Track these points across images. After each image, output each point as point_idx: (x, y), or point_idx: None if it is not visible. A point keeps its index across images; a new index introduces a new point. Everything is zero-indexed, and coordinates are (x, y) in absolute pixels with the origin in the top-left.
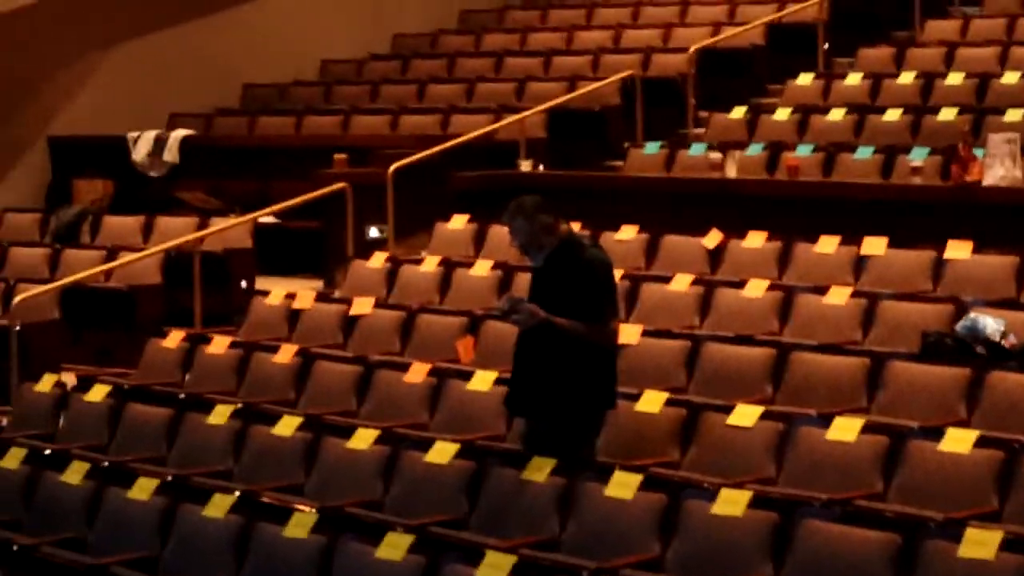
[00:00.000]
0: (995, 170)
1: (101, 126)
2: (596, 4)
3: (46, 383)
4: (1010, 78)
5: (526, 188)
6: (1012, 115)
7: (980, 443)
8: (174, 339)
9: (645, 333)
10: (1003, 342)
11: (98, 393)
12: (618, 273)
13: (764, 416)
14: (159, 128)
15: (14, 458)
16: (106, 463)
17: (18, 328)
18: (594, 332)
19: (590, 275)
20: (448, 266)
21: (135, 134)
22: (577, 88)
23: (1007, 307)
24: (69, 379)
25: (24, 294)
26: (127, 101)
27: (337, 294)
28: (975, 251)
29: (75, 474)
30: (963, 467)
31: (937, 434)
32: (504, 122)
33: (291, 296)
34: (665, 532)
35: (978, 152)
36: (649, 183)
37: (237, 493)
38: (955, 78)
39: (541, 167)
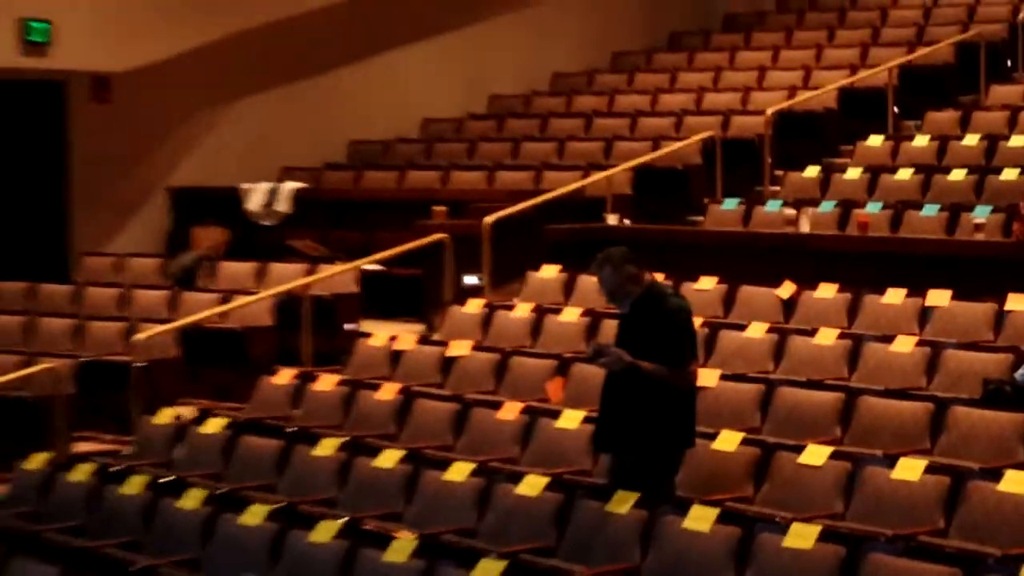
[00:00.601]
0: None
1: (217, 178)
2: (679, 69)
3: (164, 416)
4: None
5: (613, 240)
6: None
7: None
8: (284, 376)
9: (723, 377)
10: None
11: (214, 426)
12: (697, 320)
13: (833, 456)
14: (271, 180)
15: (135, 485)
16: (221, 490)
17: (140, 365)
18: (675, 376)
19: (671, 322)
20: (539, 312)
21: (248, 186)
22: (660, 147)
23: None
24: (188, 412)
25: (146, 333)
26: (241, 155)
27: (436, 337)
28: None
29: (192, 500)
30: (1021, 507)
31: (996, 475)
32: (592, 179)
33: (393, 338)
34: (739, 563)
35: None
36: (727, 237)
37: (342, 520)
38: (1018, 140)
39: (627, 221)
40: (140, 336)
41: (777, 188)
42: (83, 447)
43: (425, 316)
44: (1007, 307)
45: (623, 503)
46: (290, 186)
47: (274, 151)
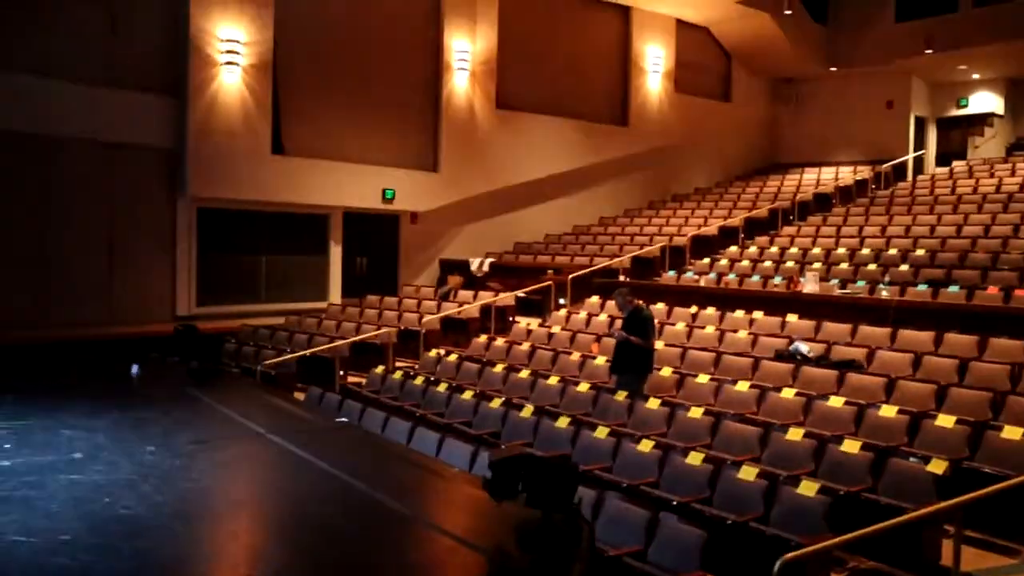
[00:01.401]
0: None
1: (459, 254)
2: (653, 215)
3: (432, 353)
4: None
5: (621, 284)
6: None
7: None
8: (482, 339)
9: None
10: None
11: (453, 357)
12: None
13: (705, 459)
14: (481, 256)
15: (419, 382)
16: (456, 384)
17: (424, 331)
18: (644, 344)
19: (644, 321)
20: (589, 316)
21: (472, 258)
22: (643, 249)
23: None
24: (443, 351)
25: (428, 318)
26: (469, 244)
27: (547, 324)
28: None
29: (442, 386)
30: (811, 504)
31: (796, 481)
32: (614, 261)
33: (529, 324)
34: (660, 470)
35: None
36: (670, 287)
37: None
38: (806, 245)
39: (625, 278)
40: (427, 318)
41: (691, 267)
42: (400, 364)
43: (543, 315)
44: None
45: (621, 396)
46: (489, 259)
47: (483, 244)
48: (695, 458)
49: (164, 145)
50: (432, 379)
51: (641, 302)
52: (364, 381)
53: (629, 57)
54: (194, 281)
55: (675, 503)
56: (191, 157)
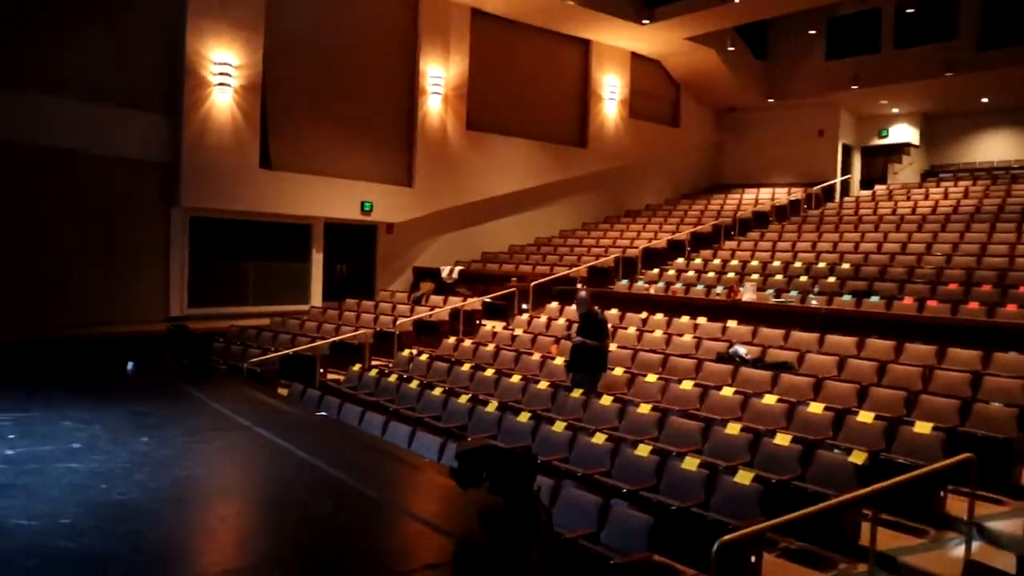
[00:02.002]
0: None
1: (431, 262)
2: (609, 229)
3: (405, 353)
4: None
5: (580, 291)
6: None
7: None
8: (451, 340)
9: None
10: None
11: (424, 357)
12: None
13: (653, 451)
14: (452, 264)
15: (393, 379)
16: (429, 381)
17: (399, 332)
18: (599, 345)
19: (599, 324)
20: (550, 319)
21: (444, 266)
22: (599, 259)
23: None
24: (415, 351)
25: (401, 320)
26: (440, 254)
27: (511, 327)
28: None
29: (414, 384)
30: (746, 491)
31: (734, 471)
32: (573, 270)
33: (494, 327)
34: (612, 460)
35: None
36: (623, 294)
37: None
38: (745, 257)
39: (583, 285)
40: (401, 321)
41: (642, 276)
42: (375, 363)
43: (507, 319)
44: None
45: (577, 393)
46: (458, 267)
47: (453, 253)
48: (643, 450)
49: (160, 159)
50: (405, 377)
51: (597, 308)
52: (342, 378)
53: (588, 85)
54: (186, 284)
55: (625, 491)
56: (185, 171)
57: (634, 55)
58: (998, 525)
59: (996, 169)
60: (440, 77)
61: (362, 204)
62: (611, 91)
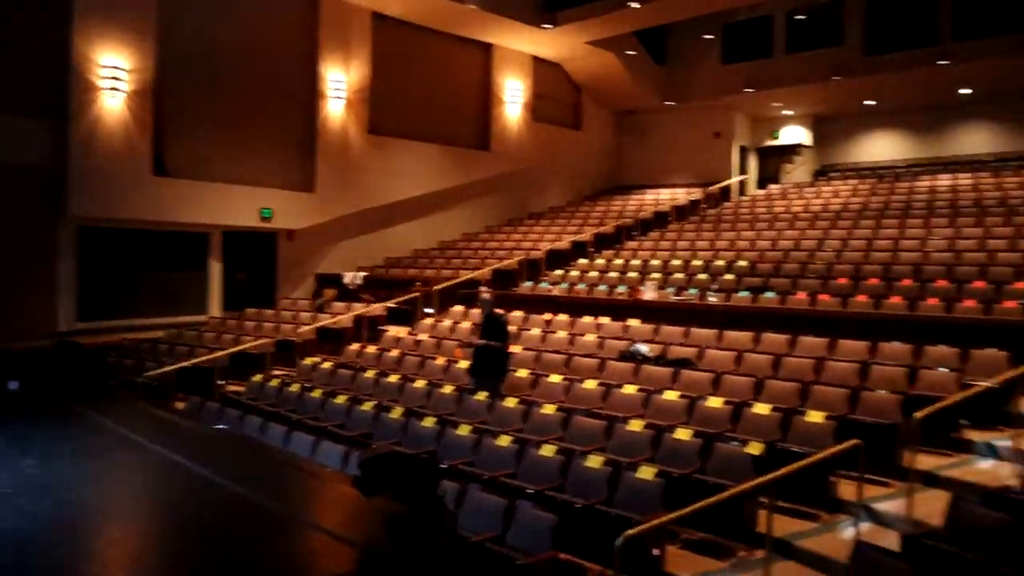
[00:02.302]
0: None
1: (333, 269)
2: (512, 232)
3: (308, 361)
4: None
5: (484, 293)
6: None
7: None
8: (355, 347)
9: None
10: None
11: (328, 365)
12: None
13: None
14: (355, 270)
15: (295, 388)
16: (331, 389)
17: (300, 341)
18: (500, 347)
19: (501, 326)
20: (455, 322)
21: (347, 272)
22: (503, 261)
23: None
24: (318, 359)
25: (303, 328)
26: (343, 260)
27: (416, 332)
28: None
29: (317, 392)
30: (650, 486)
31: (635, 467)
32: (477, 272)
33: (398, 333)
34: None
35: None
36: (527, 296)
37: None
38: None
39: (486, 288)
40: (303, 329)
41: (546, 278)
42: (277, 372)
43: (411, 324)
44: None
45: (482, 396)
46: (362, 273)
47: (357, 259)
48: (548, 450)
49: (45, 166)
50: (307, 385)
51: (502, 310)
52: (243, 389)
53: (491, 89)
54: (75, 298)
55: (531, 491)
56: (72, 179)
57: (536, 59)
58: (884, 506)
59: (882, 168)
60: (341, 81)
61: (261, 211)
62: (513, 94)
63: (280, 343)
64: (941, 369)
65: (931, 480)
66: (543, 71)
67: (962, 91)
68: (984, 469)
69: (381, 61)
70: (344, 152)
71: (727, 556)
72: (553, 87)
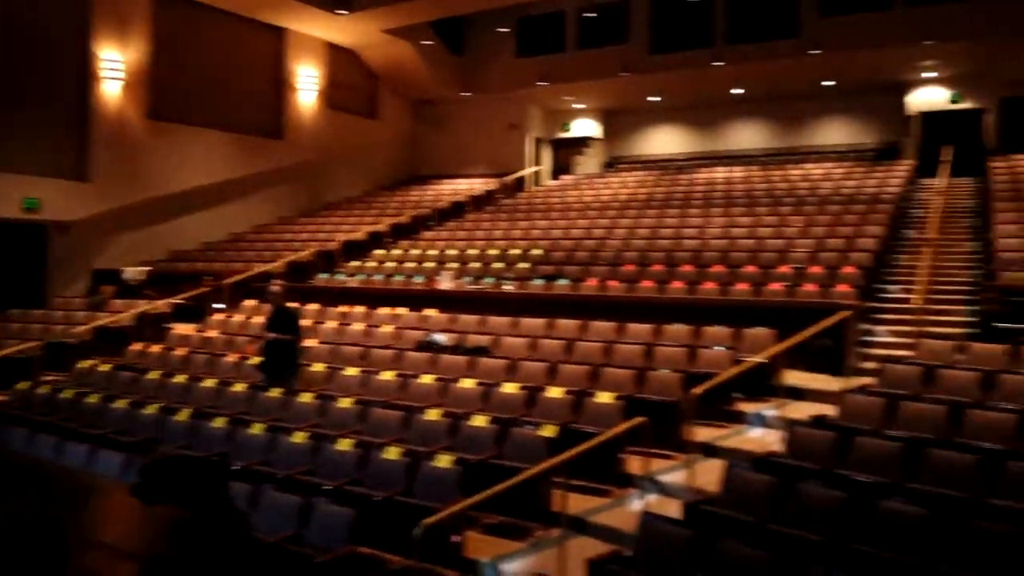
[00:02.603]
0: None
1: (112, 264)
2: (306, 223)
3: (84, 364)
4: None
5: (274, 285)
6: None
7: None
8: (138, 346)
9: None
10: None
11: (107, 368)
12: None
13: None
14: (138, 265)
15: (70, 394)
16: (128, 397)
17: (76, 342)
18: (293, 340)
19: (293, 319)
20: (247, 316)
21: (129, 267)
22: (297, 253)
23: None
24: (95, 362)
25: (78, 329)
26: (123, 254)
27: (205, 329)
28: None
29: (94, 398)
30: (445, 476)
31: (432, 456)
32: (270, 265)
33: (185, 330)
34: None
35: None
36: (323, 289)
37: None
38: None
39: (277, 281)
40: (78, 329)
41: (342, 269)
42: (49, 378)
43: (200, 320)
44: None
45: (276, 392)
46: (145, 268)
47: (139, 252)
48: (345, 444)
49: None
50: (83, 391)
51: (296, 304)
52: (6, 399)
53: (283, 75)
54: None
55: (328, 487)
56: None
57: (331, 45)
58: (668, 478)
59: (665, 161)
60: (118, 62)
61: (24, 201)
62: (307, 81)
63: (51, 346)
64: (717, 348)
65: (710, 450)
66: (338, 58)
67: (734, 91)
68: (754, 437)
69: (164, 42)
70: (122, 138)
71: (525, 537)
72: (349, 75)
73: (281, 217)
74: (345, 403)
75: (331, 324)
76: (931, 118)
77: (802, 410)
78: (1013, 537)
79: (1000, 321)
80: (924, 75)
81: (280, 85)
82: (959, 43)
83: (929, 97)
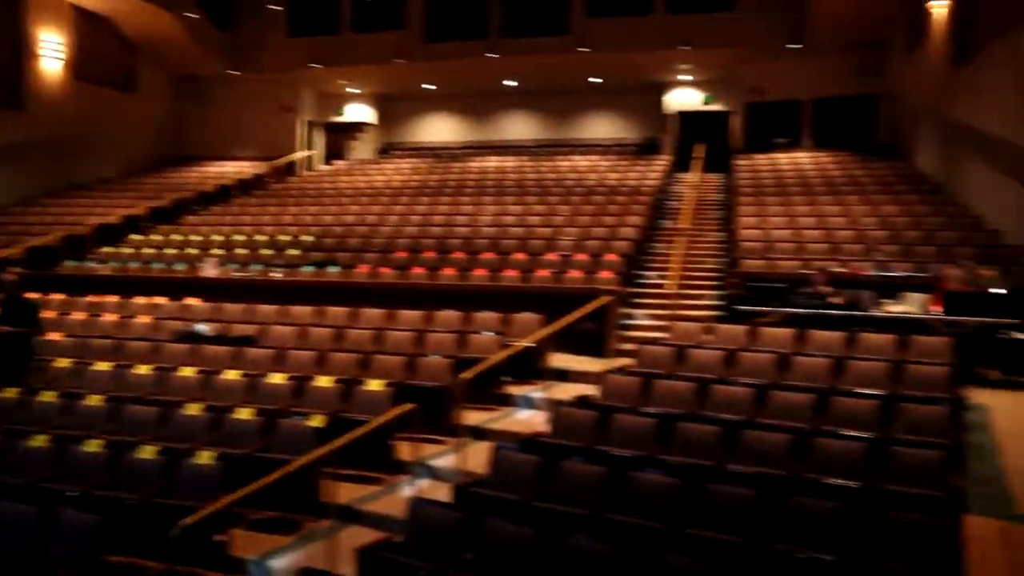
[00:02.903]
0: None
1: None
2: (67, 200)
3: None
4: None
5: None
6: None
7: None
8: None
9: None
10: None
11: None
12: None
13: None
14: None
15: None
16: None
17: None
18: (29, 333)
19: (28, 308)
20: None
21: None
22: (43, 239)
23: None
24: None
25: None
26: None
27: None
28: None
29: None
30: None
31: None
32: (7, 251)
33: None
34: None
35: None
36: (68, 276)
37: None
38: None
39: (16, 268)
40: None
41: (95, 256)
42: None
43: None
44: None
45: (11, 392)
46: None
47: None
48: (93, 445)
49: None
50: None
51: (36, 294)
52: None
53: (23, 39)
54: None
55: (73, 494)
56: None
57: (79, 9)
58: (439, 462)
59: (440, 148)
60: None
61: None
62: (52, 48)
63: None
64: (486, 333)
65: (479, 433)
66: (89, 24)
67: (508, 82)
68: (522, 419)
69: None
70: None
71: (295, 530)
72: (102, 43)
73: (23, 197)
74: (94, 400)
75: (79, 316)
76: (687, 117)
77: (567, 391)
78: (747, 499)
79: (742, 304)
80: (680, 77)
81: (19, 51)
82: (710, 50)
83: (685, 98)
